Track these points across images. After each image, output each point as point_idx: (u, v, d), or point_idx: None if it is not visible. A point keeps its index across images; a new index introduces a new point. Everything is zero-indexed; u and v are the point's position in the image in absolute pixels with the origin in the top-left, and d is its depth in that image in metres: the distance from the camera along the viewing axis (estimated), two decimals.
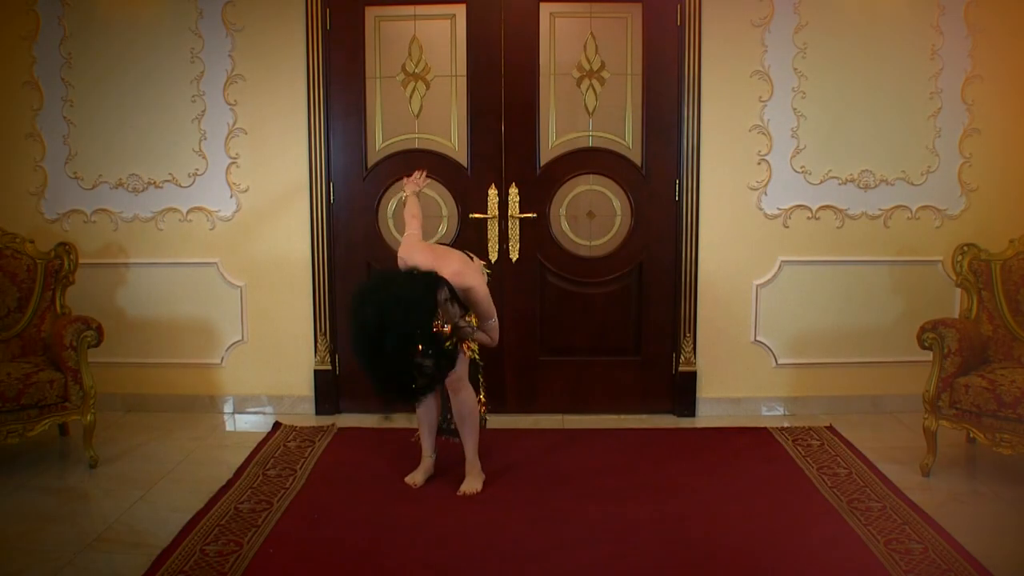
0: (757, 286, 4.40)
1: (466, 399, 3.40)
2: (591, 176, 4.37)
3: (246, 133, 4.36)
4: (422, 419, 3.54)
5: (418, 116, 4.36)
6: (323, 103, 4.30)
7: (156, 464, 3.74)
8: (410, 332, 2.71)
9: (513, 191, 4.29)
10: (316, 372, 4.47)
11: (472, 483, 3.43)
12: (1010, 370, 3.51)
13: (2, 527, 3.09)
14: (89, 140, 4.38)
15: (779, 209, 4.36)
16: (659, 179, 4.34)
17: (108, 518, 3.16)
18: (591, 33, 4.30)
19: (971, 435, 3.49)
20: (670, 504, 3.28)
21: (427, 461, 3.55)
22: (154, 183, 4.41)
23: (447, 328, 2.83)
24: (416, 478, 3.50)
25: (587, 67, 4.32)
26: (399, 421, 4.32)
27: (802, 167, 4.34)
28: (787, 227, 4.37)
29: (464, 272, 3.10)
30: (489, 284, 3.29)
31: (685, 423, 4.36)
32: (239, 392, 4.52)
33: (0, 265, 3.92)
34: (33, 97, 4.34)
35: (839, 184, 4.35)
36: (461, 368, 3.29)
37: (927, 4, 4.23)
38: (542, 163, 4.33)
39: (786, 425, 4.23)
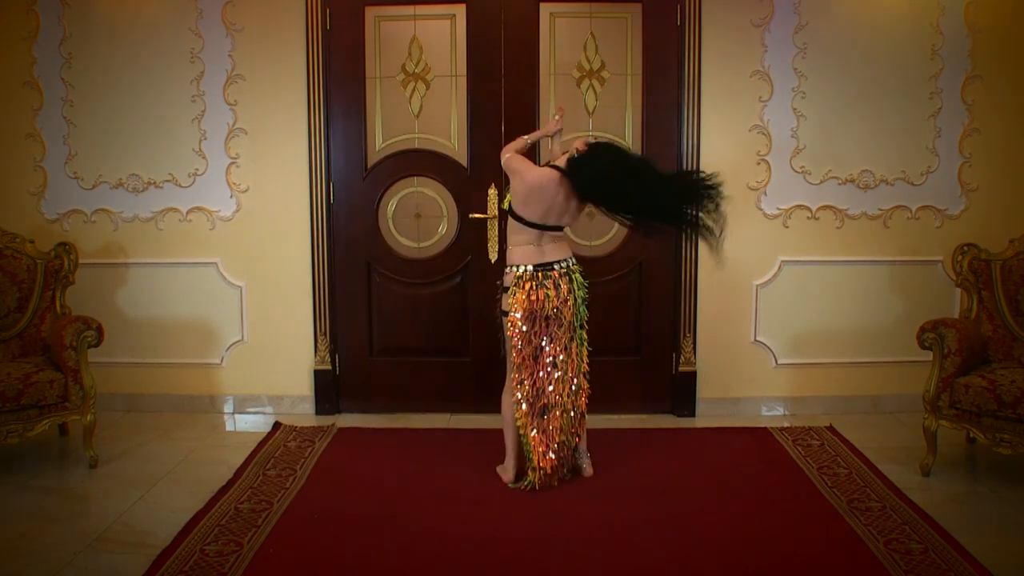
0: (757, 286, 4.40)
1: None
2: None
3: (246, 133, 4.36)
4: None
5: (418, 116, 4.36)
6: (323, 103, 4.30)
7: (156, 464, 3.73)
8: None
9: None
10: (316, 372, 4.47)
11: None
12: (1010, 370, 3.51)
13: (2, 527, 3.09)
14: (89, 140, 4.38)
15: (779, 209, 4.36)
16: None
17: (108, 518, 3.16)
18: (591, 33, 4.30)
19: (971, 435, 3.49)
20: (670, 504, 3.28)
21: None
22: (154, 183, 4.41)
23: None
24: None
25: (587, 67, 4.32)
26: (398, 421, 4.33)
27: (802, 167, 4.34)
28: (787, 227, 4.37)
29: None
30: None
31: (685, 423, 4.36)
32: (239, 392, 4.52)
33: (0, 265, 3.93)
34: (33, 97, 4.34)
35: (839, 184, 4.35)
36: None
37: (927, 4, 4.23)
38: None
39: (786, 425, 4.23)
